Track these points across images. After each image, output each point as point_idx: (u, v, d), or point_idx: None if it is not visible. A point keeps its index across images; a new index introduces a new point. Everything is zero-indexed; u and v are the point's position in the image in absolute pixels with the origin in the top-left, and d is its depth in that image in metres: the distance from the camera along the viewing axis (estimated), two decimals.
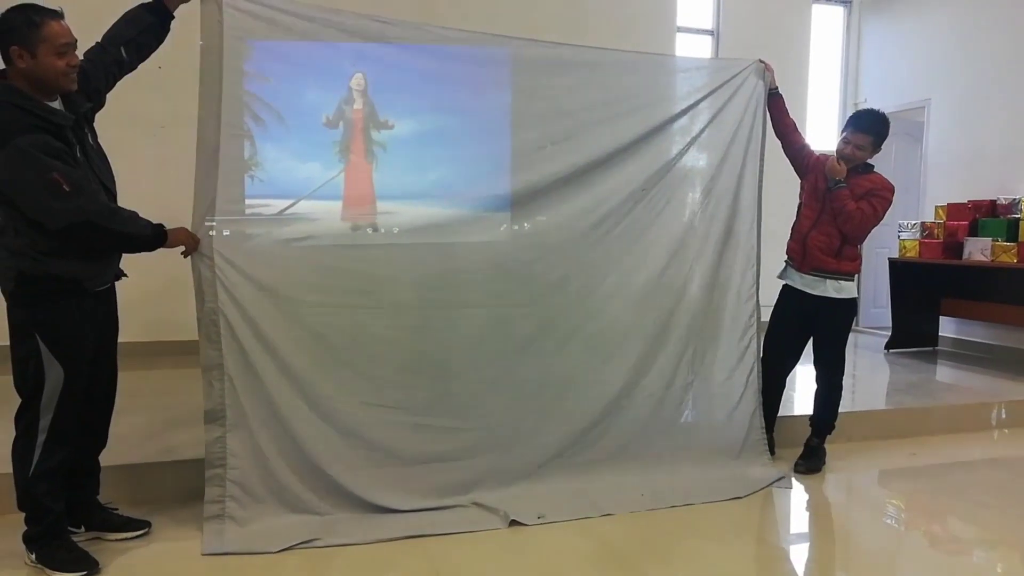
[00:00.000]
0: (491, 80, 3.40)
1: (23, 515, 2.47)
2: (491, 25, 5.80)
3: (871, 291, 7.48)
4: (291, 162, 3.06)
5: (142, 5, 2.62)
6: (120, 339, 2.70)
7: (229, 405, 2.78)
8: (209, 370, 2.78)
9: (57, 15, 2.31)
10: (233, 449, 2.78)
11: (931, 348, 6.59)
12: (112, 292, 2.64)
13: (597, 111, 3.42)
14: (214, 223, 2.76)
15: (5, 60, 2.29)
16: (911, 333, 6.53)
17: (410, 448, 3.06)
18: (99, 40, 2.56)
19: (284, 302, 2.89)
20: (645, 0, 6.78)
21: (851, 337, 3.85)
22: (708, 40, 7.39)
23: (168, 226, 2.57)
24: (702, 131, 3.59)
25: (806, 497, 3.44)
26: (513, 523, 2.91)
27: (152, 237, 2.50)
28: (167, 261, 2.75)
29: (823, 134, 7.58)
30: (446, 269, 3.25)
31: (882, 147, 3.54)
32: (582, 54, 3.47)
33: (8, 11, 2.28)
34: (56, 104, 2.35)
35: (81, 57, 2.43)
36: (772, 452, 3.67)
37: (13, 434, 2.45)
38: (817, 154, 3.66)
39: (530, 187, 3.33)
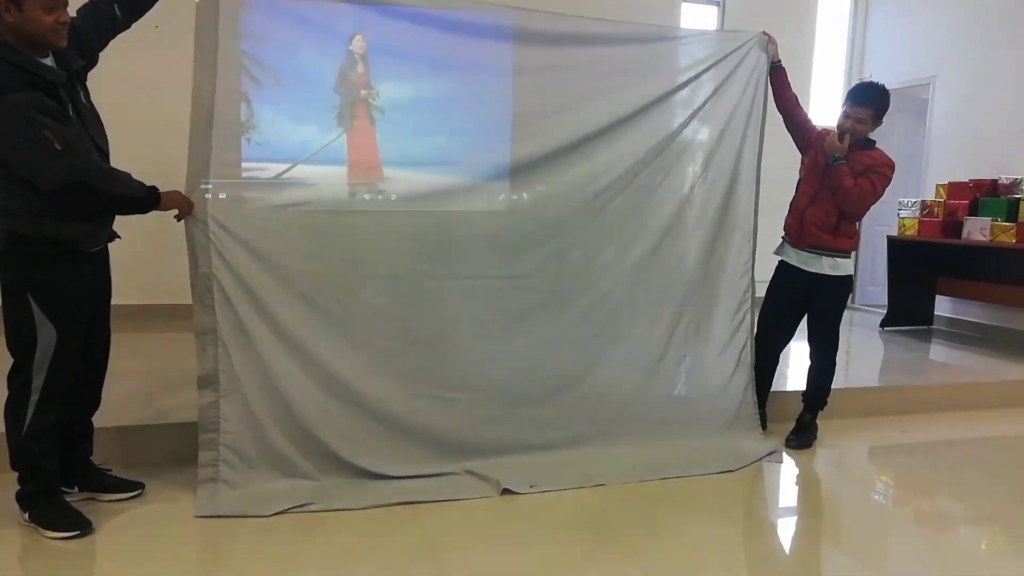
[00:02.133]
0: (492, 48, 3.34)
1: (16, 474, 2.48)
2: None
3: (868, 269, 7.47)
4: (288, 125, 3.02)
5: None
6: (113, 302, 2.69)
7: (223, 370, 2.78)
8: (203, 335, 2.77)
9: None
10: (226, 414, 2.78)
11: (926, 327, 6.61)
12: (105, 253, 2.62)
13: (598, 82, 3.38)
14: (209, 186, 2.74)
15: None
16: (907, 312, 6.54)
17: (404, 416, 3.07)
18: None
19: (279, 268, 2.88)
20: None
21: (846, 314, 3.86)
22: (714, 11, 7.29)
23: (162, 188, 2.54)
24: (704, 104, 3.55)
25: (796, 472, 3.47)
26: (505, 491, 2.93)
27: (145, 199, 2.47)
28: (161, 223, 2.72)
29: (827, 109, 7.51)
30: (443, 238, 3.23)
31: (883, 121, 3.51)
32: (584, 25, 3.42)
33: None
34: (48, 61, 2.31)
35: (73, 14, 2.39)
36: (764, 427, 3.69)
37: (6, 394, 2.45)
38: (819, 129, 3.63)
39: (530, 156, 3.31)
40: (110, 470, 2.81)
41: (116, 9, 2.52)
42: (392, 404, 3.05)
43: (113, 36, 2.57)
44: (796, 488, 3.40)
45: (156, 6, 2.65)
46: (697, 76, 3.53)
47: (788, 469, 3.47)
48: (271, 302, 2.85)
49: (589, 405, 3.37)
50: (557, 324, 3.36)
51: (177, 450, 2.98)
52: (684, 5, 7.00)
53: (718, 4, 7.27)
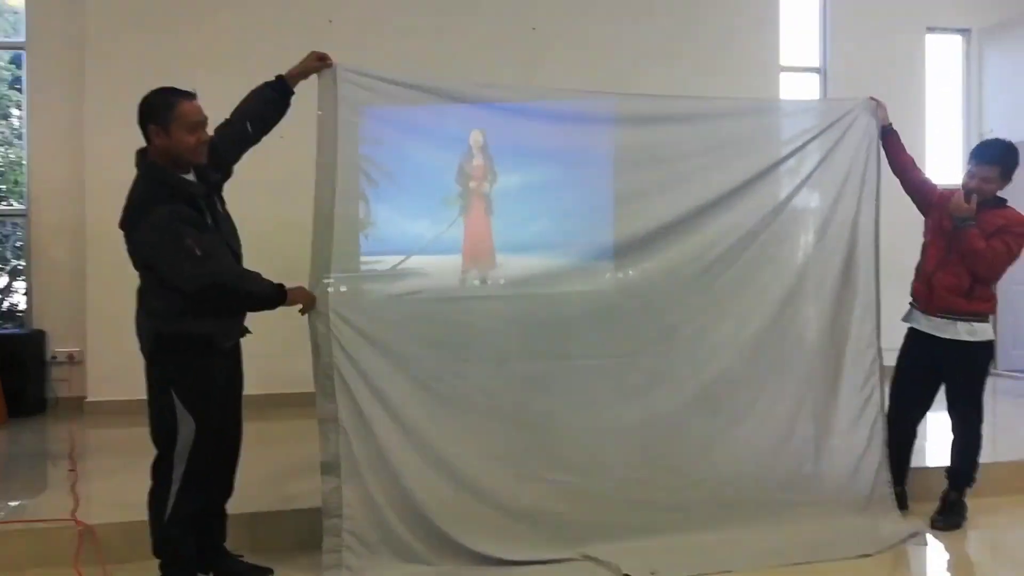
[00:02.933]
0: (593, 132, 3.44)
1: (157, 562, 2.61)
2: (589, 75, 5.92)
3: (1011, 331, 6.90)
4: (403, 220, 3.19)
5: (266, 83, 2.83)
6: (243, 392, 2.85)
7: (344, 456, 2.86)
8: (325, 422, 2.88)
9: (190, 96, 2.53)
10: (349, 499, 2.85)
11: None
12: (239, 348, 2.80)
13: (699, 157, 3.39)
14: (331, 280, 2.90)
15: (145, 138, 2.53)
16: None
17: (518, 499, 3.05)
18: (227, 117, 2.79)
19: (395, 355, 2.98)
20: (747, 41, 6.69)
21: (989, 381, 3.58)
22: (816, 78, 7.20)
23: (288, 286, 2.72)
24: (812, 172, 3.49)
25: (945, 556, 3.19)
26: None
27: (273, 296, 2.65)
28: (287, 318, 2.90)
29: (946, 169, 7.19)
30: (551, 319, 3.27)
31: (1012, 178, 3.33)
32: (683, 104, 3.47)
33: (149, 94, 2.52)
34: (190, 176, 2.56)
35: (211, 133, 2.65)
36: (904, 507, 3.44)
37: (150, 484, 2.61)
38: (941, 190, 3.48)
39: (634, 234, 3.33)
40: (241, 556, 2.92)
41: (248, 126, 2.77)
42: (504, 487, 3.05)
43: (245, 150, 2.82)
44: (947, 575, 3.11)
45: (283, 119, 2.90)
46: (803, 146, 3.48)
47: (936, 553, 3.19)
48: (388, 388, 2.94)
49: (710, 487, 3.25)
50: (670, 402, 3.28)
51: (304, 535, 3.05)
52: (784, 74, 6.95)
53: (820, 71, 7.18)
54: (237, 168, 2.83)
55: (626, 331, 3.31)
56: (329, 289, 2.89)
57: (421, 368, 3.03)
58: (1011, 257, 3.26)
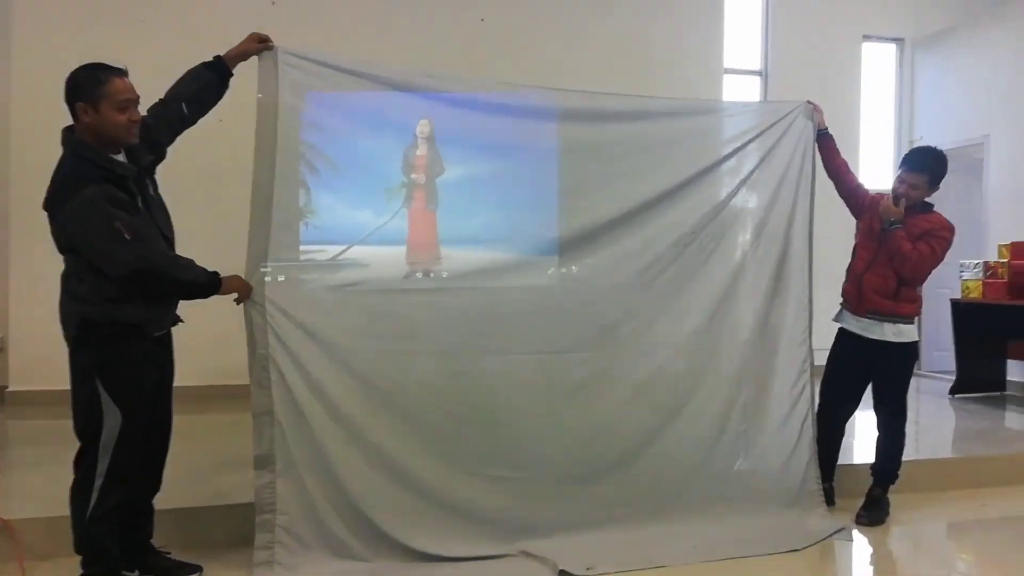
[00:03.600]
0: (538, 127, 3.43)
1: (79, 558, 2.51)
2: (536, 70, 5.93)
3: (933, 334, 7.21)
4: (345, 209, 3.13)
5: (203, 63, 2.73)
6: (174, 383, 2.76)
7: (279, 451, 2.80)
8: (259, 416, 2.81)
9: (121, 72, 2.42)
10: (282, 495, 2.79)
11: (998, 393, 6.31)
12: (169, 337, 2.71)
13: (644, 155, 3.42)
14: (268, 269, 2.82)
15: (73, 116, 2.41)
16: (977, 378, 6.27)
17: (456, 495, 3.03)
18: (162, 96, 2.68)
19: (334, 348, 2.92)
20: (692, 42, 6.81)
21: (913, 382, 3.71)
22: (756, 80, 7.37)
23: (223, 273, 2.64)
24: (751, 173, 3.55)
25: (869, 550, 3.30)
26: (562, 573, 2.84)
27: (207, 284, 2.56)
28: (221, 307, 2.81)
29: (878, 174, 7.44)
30: (493, 314, 3.25)
31: (940, 185, 3.45)
32: (628, 102, 3.49)
33: (76, 69, 2.41)
34: (120, 157, 2.46)
35: (144, 112, 2.54)
36: (832, 502, 3.54)
37: (71, 477, 2.51)
38: (872, 194, 3.59)
39: (578, 230, 3.34)
40: (169, 552, 2.82)
41: (184, 108, 2.67)
42: (443, 483, 3.03)
43: (181, 132, 2.72)
44: (870, 568, 3.23)
45: (220, 102, 2.81)
46: (743, 146, 3.54)
47: (860, 548, 3.30)
48: (326, 382, 2.89)
49: (647, 482, 3.29)
50: (610, 399, 3.31)
51: (235, 531, 2.98)
52: (727, 76, 7.08)
53: (760, 74, 7.34)
54: (171, 150, 2.73)
55: (568, 326, 3.32)
56: (266, 279, 2.81)
57: (361, 361, 2.97)
58: (935, 260, 3.38)
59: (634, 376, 3.35)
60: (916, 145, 4.81)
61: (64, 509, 2.53)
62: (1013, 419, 5.58)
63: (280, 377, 2.80)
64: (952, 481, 4.05)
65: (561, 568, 2.86)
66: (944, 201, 3.59)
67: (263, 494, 2.78)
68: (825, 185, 3.66)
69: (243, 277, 2.76)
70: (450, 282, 3.28)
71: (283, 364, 2.81)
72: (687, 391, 3.40)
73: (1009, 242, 6.11)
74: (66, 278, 2.46)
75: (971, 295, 6.16)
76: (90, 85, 2.36)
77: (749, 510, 3.35)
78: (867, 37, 7.59)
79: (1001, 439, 5.03)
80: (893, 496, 3.60)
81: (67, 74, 2.40)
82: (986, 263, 6.15)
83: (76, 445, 2.50)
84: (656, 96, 3.59)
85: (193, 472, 3.53)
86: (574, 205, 3.39)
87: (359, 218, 3.14)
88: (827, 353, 3.67)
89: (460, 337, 3.19)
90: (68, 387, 2.49)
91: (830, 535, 3.28)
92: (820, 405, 3.59)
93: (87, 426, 2.46)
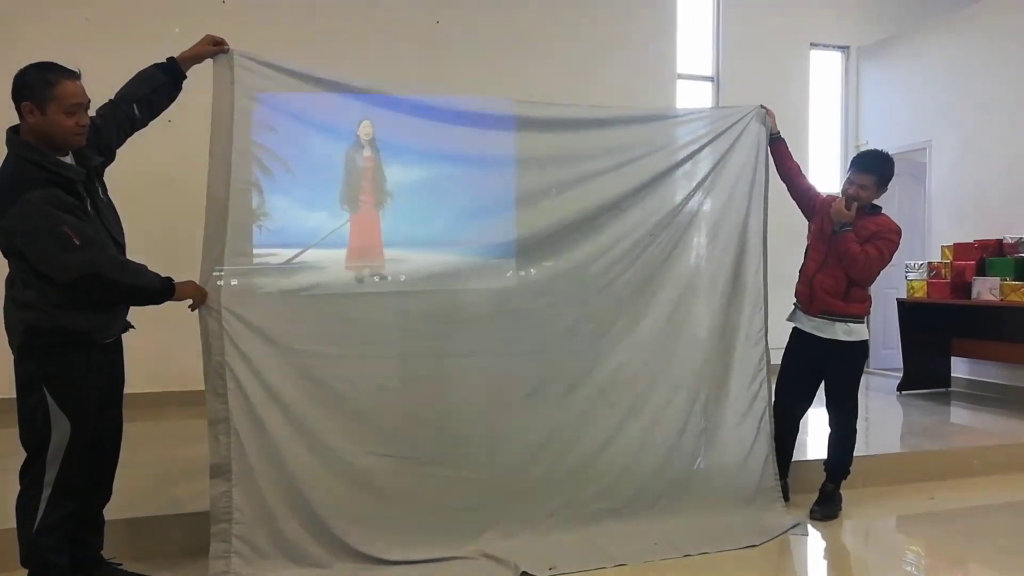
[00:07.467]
0: (496, 133, 3.43)
1: (25, 572, 2.43)
2: (494, 73, 5.94)
3: (881, 332, 7.43)
4: (299, 211, 3.08)
5: (155, 65, 2.67)
6: (126, 390, 2.69)
7: (235, 459, 2.74)
8: (215, 424, 2.75)
9: (73, 75, 2.35)
10: (239, 504, 2.74)
11: (944, 389, 6.51)
12: (119, 344, 2.63)
13: (600, 160, 3.45)
14: (222, 273, 2.77)
15: (19, 115, 2.33)
16: (923, 374, 6.46)
17: (417, 498, 3.01)
18: (112, 97, 2.61)
19: (291, 353, 2.88)
20: (646, 48, 6.91)
21: (863, 379, 3.80)
22: (708, 86, 7.49)
23: (177, 279, 2.58)
24: (706, 176, 3.61)
25: (823, 544, 3.37)
26: (523, 574, 2.84)
27: (160, 290, 2.50)
28: (175, 313, 2.75)
29: (826, 177, 7.64)
30: (451, 316, 3.24)
31: (888, 187, 3.55)
32: (581, 111, 3.52)
33: (26, 67, 2.33)
34: (67, 159, 2.39)
35: (94, 113, 2.47)
36: (787, 498, 3.60)
37: (17, 489, 2.42)
38: (824, 196, 3.67)
39: (535, 233, 3.36)
40: (120, 564, 2.75)
41: (135, 109, 2.61)
42: (403, 486, 3.01)
43: (131, 134, 2.65)
44: (824, 562, 3.30)
45: (172, 103, 2.75)
46: (699, 150, 3.60)
47: (814, 542, 3.37)
48: (283, 387, 2.84)
49: (608, 481, 3.31)
50: (570, 399, 3.32)
51: (189, 542, 2.92)
52: (680, 81, 7.20)
53: (712, 80, 7.47)
54: (121, 153, 2.66)
55: (527, 329, 3.33)
56: (220, 283, 2.76)
57: (318, 366, 2.94)
58: (883, 262, 3.48)
59: (593, 377, 3.37)
60: (863, 149, 4.94)
61: (10, 522, 2.45)
62: (958, 414, 5.76)
63: (236, 384, 2.75)
64: (902, 475, 4.17)
65: (523, 569, 2.86)
66: (889, 204, 3.70)
67: (219, 503, 2.73)
68: (778, 188, 3.73)
69: (197, 283, 2.71)
70: (408, 285, 3.25)
71: (239, 371, 2.76)
72: (646, 391, 3.44)
73: (951, 243, 6.32)
74: (11, 283, 2.37)
75: (916, 295, 6.35)
76: (38, 86, 2.29)
77: (709, 507, 3.39)
78: (814, 45, 7.79)
79: (947, 434, 5.19)
80: (845, 491, 3.69)
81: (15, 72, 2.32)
82: (930, 264, 6.35)
83: (22, 456, 2.42)
84: (610, 105, 3.62)
85: (146, 481, 3.45)
86: (532, 209, 3.40)
87: (314, 220, 3.10)
88: (782, 352, 3.75)
89: (419, 340, 3.18)
90: (13, 396, 2.40)
91: (786, 530, 3.35)
92: (775, 403, 3.66)
93: (34, 436, 2.38)
